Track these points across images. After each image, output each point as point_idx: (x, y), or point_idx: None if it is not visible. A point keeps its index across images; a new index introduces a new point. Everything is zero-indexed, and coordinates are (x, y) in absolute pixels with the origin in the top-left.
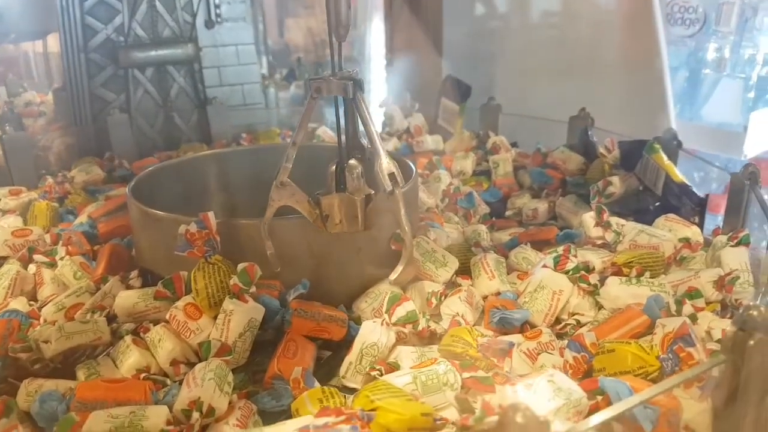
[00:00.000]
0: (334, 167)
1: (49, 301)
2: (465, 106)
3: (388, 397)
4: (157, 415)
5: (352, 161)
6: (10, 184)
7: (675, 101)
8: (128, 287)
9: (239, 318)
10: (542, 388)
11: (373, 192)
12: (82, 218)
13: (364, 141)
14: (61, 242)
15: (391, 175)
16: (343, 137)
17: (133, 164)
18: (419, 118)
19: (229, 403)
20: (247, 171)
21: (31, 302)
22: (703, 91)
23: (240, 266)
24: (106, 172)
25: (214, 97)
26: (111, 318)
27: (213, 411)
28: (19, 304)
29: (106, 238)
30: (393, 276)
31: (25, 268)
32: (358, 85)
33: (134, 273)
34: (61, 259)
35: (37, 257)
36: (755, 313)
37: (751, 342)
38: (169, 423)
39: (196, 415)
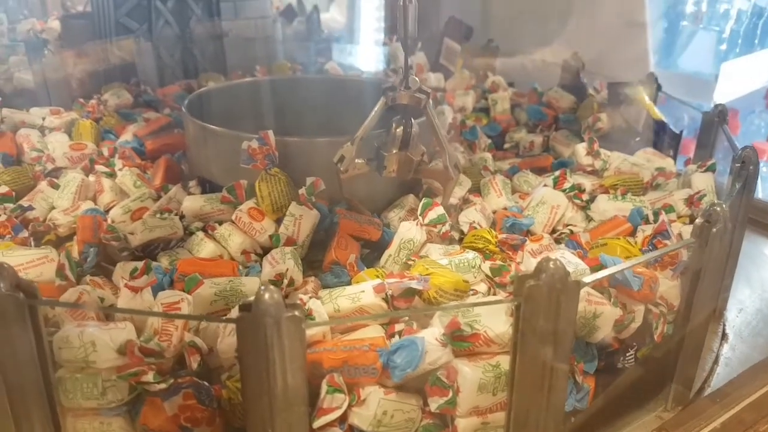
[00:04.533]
0: (398, 130)
1: (111, 207)
2: (467, 46)
3: (437, 268)
4: (252, 282)
5: (416, 127)
6: (48, 105)
7: (654, 51)
8: (189, 194)
9: (307, 221)
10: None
11: (425, 151)
12: (127, 137)
13: None
14: (117, 155)
15: (455, 165)
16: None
17: (158, 91)
18: (421, 56)
19: None
20: (284, 98)
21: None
22: (680, 41)
23: (308, 179)
24: (133, 97)
25: (230, 30)
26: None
27: (293, 282)
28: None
29: (153, 154)
30: None
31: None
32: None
33: (193, 182)
34: (120, 170)
35: (98, 167)
36: (718, 209)
37: (714, 230)
38: None
39: (285, 281)
